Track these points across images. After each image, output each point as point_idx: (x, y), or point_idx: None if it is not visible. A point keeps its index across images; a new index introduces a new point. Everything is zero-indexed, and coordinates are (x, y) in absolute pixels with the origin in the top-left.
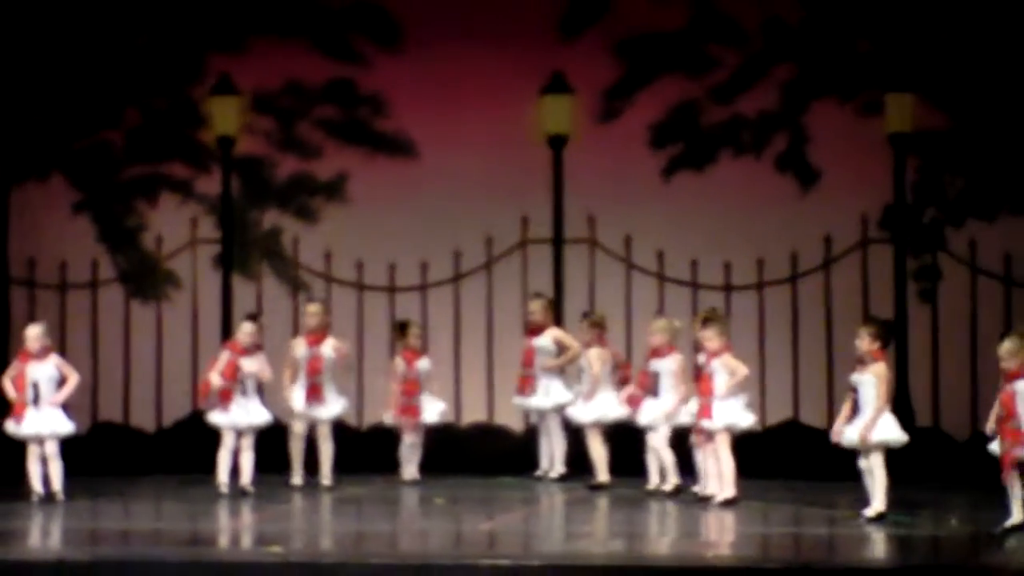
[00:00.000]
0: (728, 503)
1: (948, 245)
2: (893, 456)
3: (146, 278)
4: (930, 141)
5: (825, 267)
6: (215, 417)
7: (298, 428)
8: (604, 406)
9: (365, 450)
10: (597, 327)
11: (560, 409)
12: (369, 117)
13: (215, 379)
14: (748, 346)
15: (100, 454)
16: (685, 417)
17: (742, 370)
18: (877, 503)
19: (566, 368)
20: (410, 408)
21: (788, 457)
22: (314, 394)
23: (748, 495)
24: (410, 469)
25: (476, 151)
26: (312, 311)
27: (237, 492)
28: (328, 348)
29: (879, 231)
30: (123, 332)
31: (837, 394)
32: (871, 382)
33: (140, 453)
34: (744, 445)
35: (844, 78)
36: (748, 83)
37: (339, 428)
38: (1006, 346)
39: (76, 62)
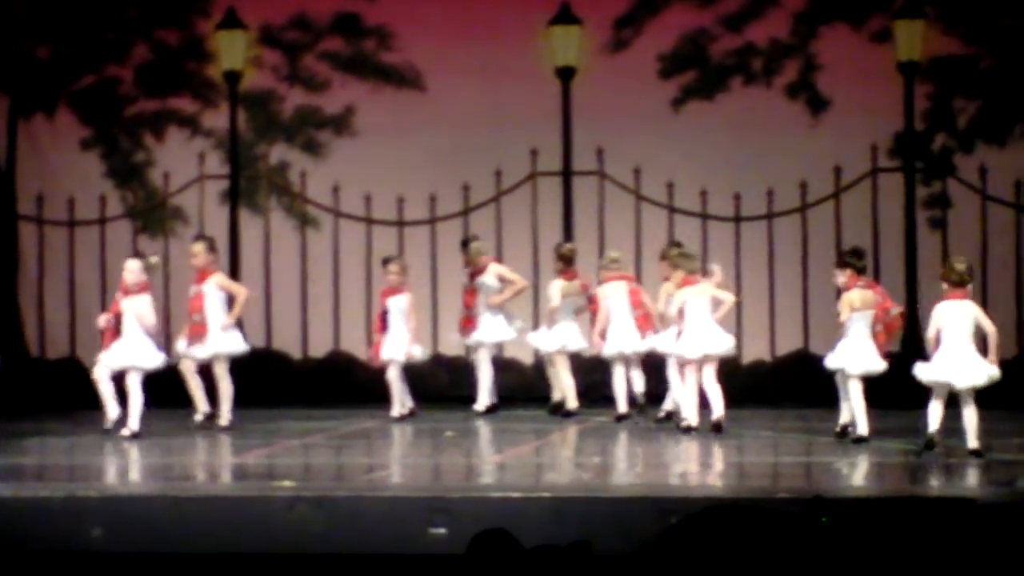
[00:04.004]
0: (689, 430)
1: (958, 172)
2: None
3: (153, 214)
4: (942, 66)
5: (835, 196)
6: (102, 355)
7: (187, 366)
8: (565, 335)
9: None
10: (563, 260)
11: (498, 344)
12: (376, 50)
13: (100, 319)
14: (757, 277)
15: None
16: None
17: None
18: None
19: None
20: (376, 346)
21: (798, 387)
22: (196, 333)
23: (758, 425)
24: (395, 406)
25: (484, 83)
26: (197, 250)
27: (198, 428)
28: (212, 286)
29: (889, 159)
30: None
31: None
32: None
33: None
34: (754, 375)
35: (854, 4)
36: (758, 11)
37: (352, 363)
38: None
39: None
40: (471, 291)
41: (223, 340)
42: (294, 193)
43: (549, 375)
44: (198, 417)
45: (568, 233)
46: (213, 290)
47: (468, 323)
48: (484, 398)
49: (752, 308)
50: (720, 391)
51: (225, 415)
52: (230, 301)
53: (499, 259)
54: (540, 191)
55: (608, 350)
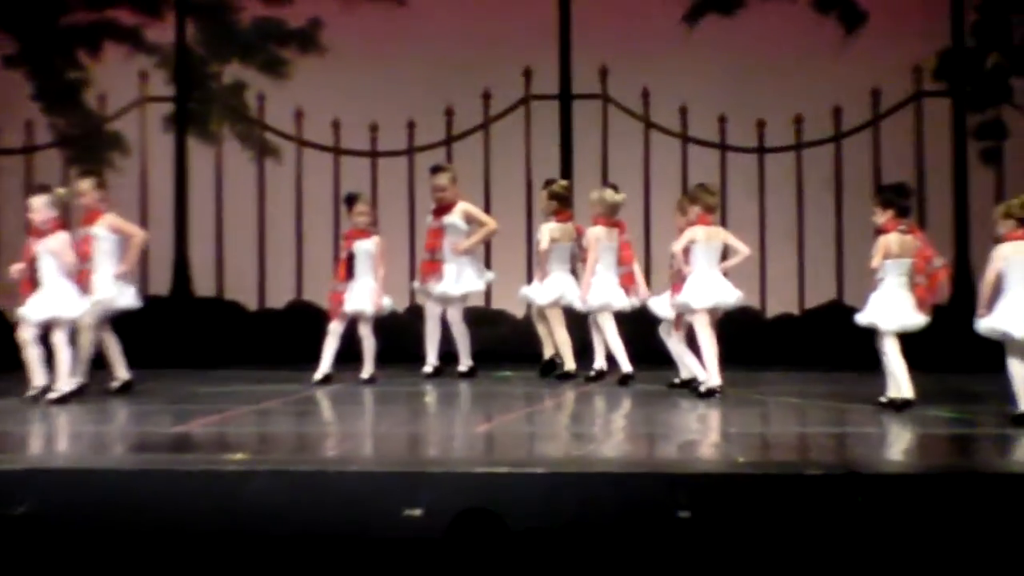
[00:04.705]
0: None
1: (1014, 97)
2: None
3: (88, 142)
4: None
5: (873, 125)
6: (21, 311)
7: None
8: (559, 286)
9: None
10: (555, 199)
11: (465, 299)
12: None
13: (12, 269)
14: (783, 217)
15: None
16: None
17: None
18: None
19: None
20: (337, 294)
21: (830, 344)
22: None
23: (786, 388)
24: (367, 366)
25: None
26: (84, 188)
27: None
28: (102, 228)
29: (935, 82)
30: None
31: None
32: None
33: None
34: (780, 332)
35: None
36: None
37: (318, 315)
38: None
39: None
40: (436, 232)
41: (110, 291)
42: (251, 119)
43: (539, 332)
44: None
45: (567, 167)
46: (104, 233)
47: (431, 269)
48: (466, 358)
49: (778, 254)
50: (713, 350)
51: (115, 377)
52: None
53: (488, 195)
54: (535, 117)
55: (594, 300)
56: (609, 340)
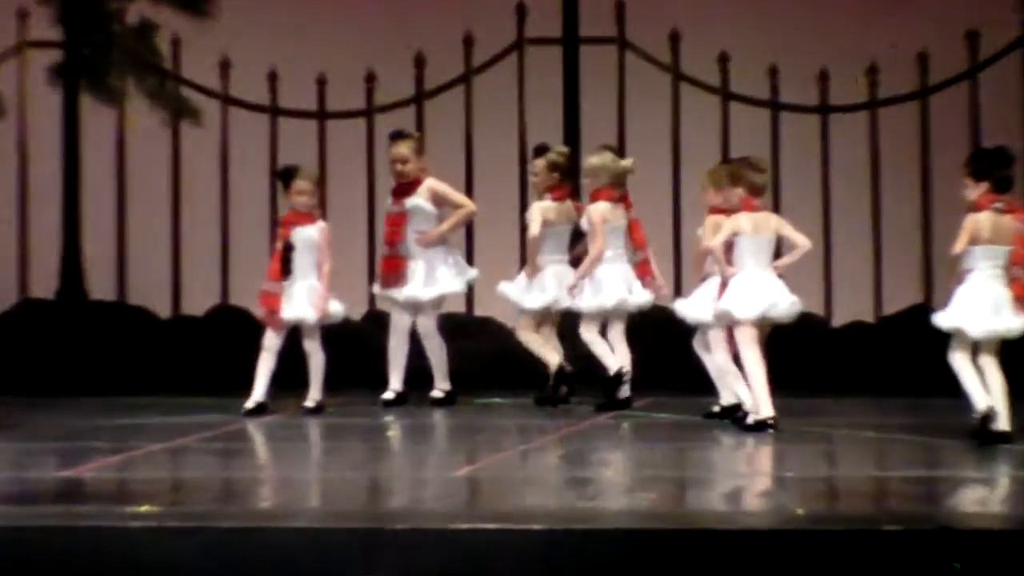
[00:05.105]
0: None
1: None
2: None
3: None
4: None
5: (969, 76)
6: None
7: None
8: (552, 286)
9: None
10: (553, 169)
11: (440, 304)
12: None
13: None
14: (853, 198)
15: None
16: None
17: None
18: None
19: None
20: (270, 297)
21: (916, 360)
22: None
23: (858, 418)
24: (312, 391)
25: None
26: None
27: None
28: None
29: None
30: None
31: None
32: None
33: None
34: (849, 344)
35: None
36: None
37: (248, 324)
38: None
39: None
40: (397, 218)
41: None
42: (163, 70)
43: (524, 343)
44: None
45: (571, 132)
46: None
47: (392, 267)
48: (442, 381)
49: (847, 245)
50: (761, 372)
51: None
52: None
53: (470, 169)
54: (532, 67)
55: (608, 298)
56: (602, 345)
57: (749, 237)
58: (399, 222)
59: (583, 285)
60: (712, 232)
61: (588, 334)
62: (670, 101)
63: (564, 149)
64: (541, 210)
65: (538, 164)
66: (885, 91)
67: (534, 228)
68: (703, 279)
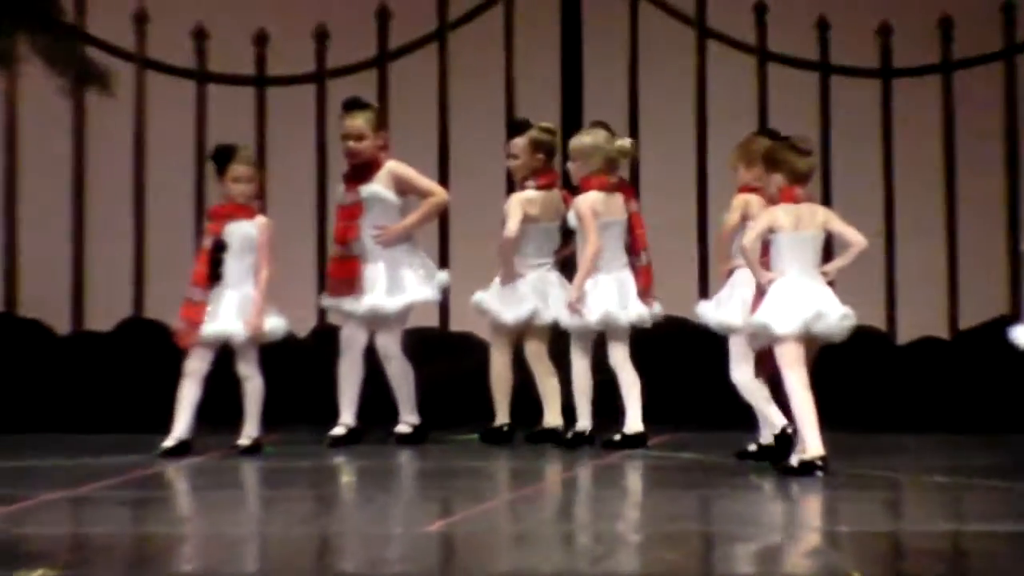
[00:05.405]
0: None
1: None
2: None
3: None
4: None
5: None
6: None
7: None
8: (533, 294)
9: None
10: (540, 151)
11: (406, 316)
12: None
13: None
14: (922, 183)
15: None
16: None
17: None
18: None
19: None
20: (193, 308)
21: (998, 384)
22: None
23: (928, 459)
24: (247, 426)
25: None
26: None
27: None
28: None
29: None
30: None
31: None
32: None
33: None
34: (920, 366)
35: None
36: None
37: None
38: None
39: None
40: (350, 210)
41: None
42: (64, 26)
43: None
44: None
45: (571, 101)
46: None
47: (345, 272)
48: (409, 413)
49: (914, 243)
50: (807, 401)
51: None
52: None
53: (444, 147)
54: (521, 22)
55: (593, 311)
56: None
57: (789, 234)
58: (353, 215)
59: (583, 297)
60: (740, 213)
61: (579, 361)
62: (694, 64)
63: (549, 124)
64: (522, 202)
65: (517, 144)
66: (961, 50)
67: (511, 225)
68: (729, 272)
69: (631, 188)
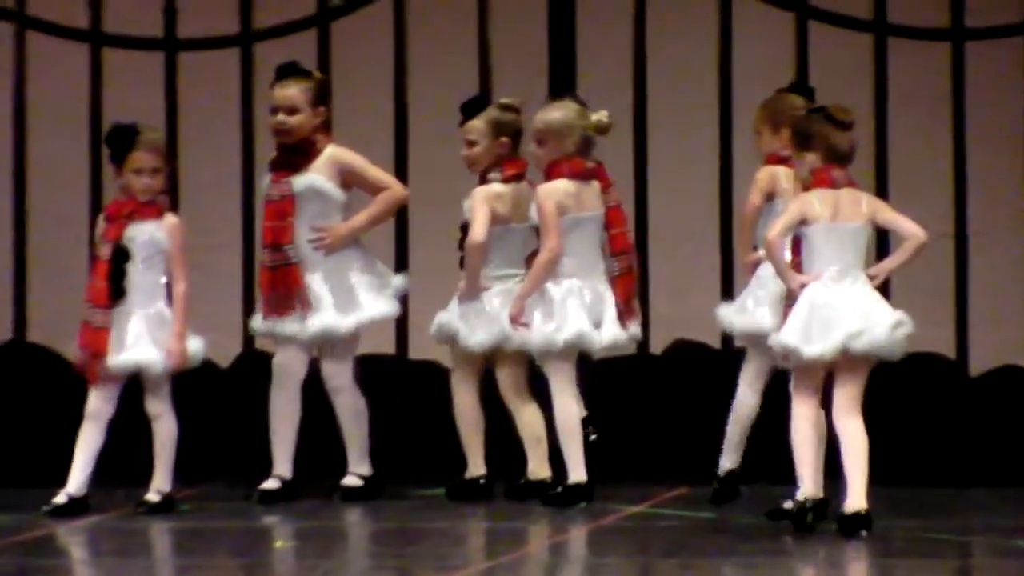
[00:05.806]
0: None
1: None
2: None
3: None
4: None
5: None
6: None
7: None
8: (499, 312)
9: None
10: (504, 134)
11: (355, 342)
12: None
13: None
14: (1001, 170)
15: None
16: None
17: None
18: None
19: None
20: (94, 334)
21: None
22: None
23: (1004, 519)
24: (158, 476)
25: None
26: None
27: None
28: None
29: None
30: None
31: None
32: None
33: None
34: (998, 401)
35: None
36: None
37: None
38: None
39: None
40: (280, 206)
41: None
42: None
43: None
44: None
45: (562, 67)
46: None
47: (279, 284)
48: (358, 462)
49: (989, 242)
50: (810, 441)
51: None
52: None
53: (402, 129)
54: None
55: (563, 331)
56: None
57: (826, 225)
58: (284, 212)
59: (530, 309)
60: (766, 186)
61: (562, 397)
62: (717, 23)
63: (511, 100)
64: (486, 197)
65: (474, 127)
66: None
67: (478, 228)
68: (754, 266)
69: (607, 175)
